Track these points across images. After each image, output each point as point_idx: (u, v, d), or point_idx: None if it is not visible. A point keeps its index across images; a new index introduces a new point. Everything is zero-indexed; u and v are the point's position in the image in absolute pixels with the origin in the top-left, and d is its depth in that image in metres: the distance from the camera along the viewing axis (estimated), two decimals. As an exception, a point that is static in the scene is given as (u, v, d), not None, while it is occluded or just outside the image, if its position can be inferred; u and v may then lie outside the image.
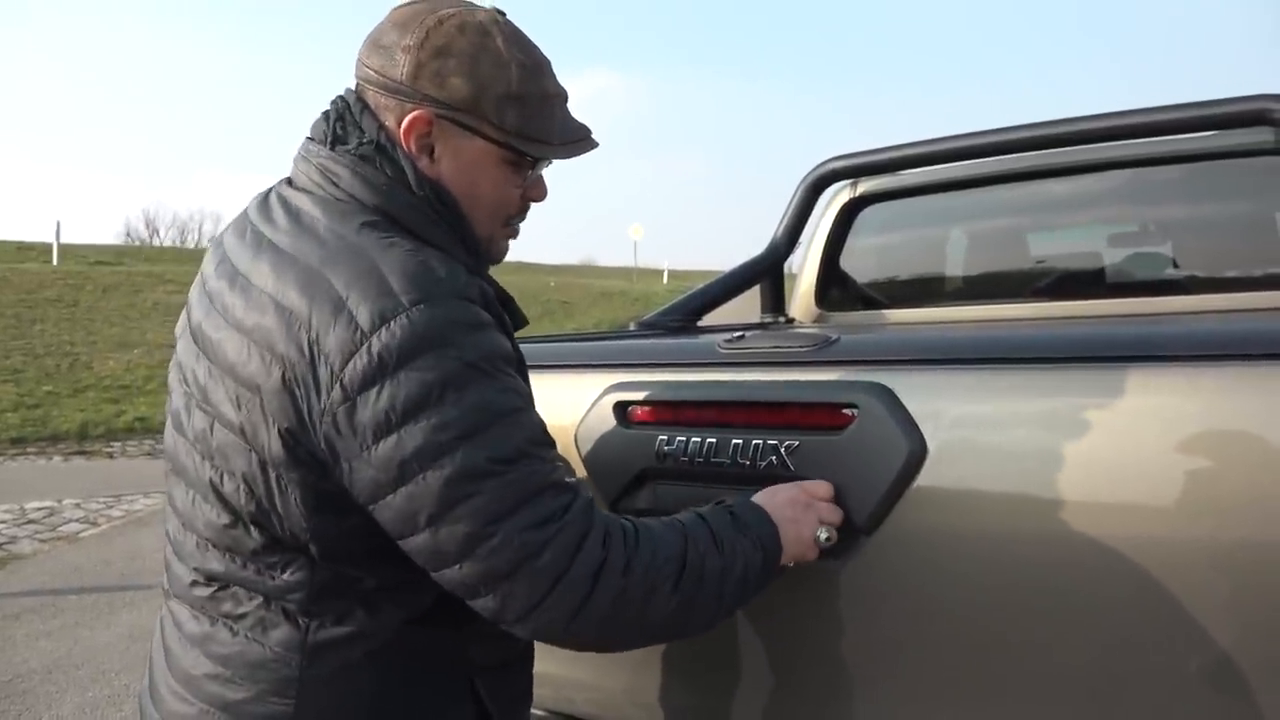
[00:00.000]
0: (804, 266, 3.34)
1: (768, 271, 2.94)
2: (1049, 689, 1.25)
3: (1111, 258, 3.22)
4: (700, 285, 2.81)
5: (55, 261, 20.28)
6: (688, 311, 2.67)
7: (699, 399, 1.55)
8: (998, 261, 3.42)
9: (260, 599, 1.17)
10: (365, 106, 1.19)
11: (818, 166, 2.90)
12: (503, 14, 1.21)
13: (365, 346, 1.04)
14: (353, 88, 1.22)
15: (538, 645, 1.35)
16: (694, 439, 1.48)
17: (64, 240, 22.16)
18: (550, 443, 1.16)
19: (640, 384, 1.60)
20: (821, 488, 1.34)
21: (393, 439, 1.05)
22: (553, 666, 1.49)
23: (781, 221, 2.95)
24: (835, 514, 1.33)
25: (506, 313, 1.24)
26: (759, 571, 1.24)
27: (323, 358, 1.06)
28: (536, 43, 1.24)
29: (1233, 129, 2.43)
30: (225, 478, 1.14)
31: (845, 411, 1.38)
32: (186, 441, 1.20)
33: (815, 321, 3.22)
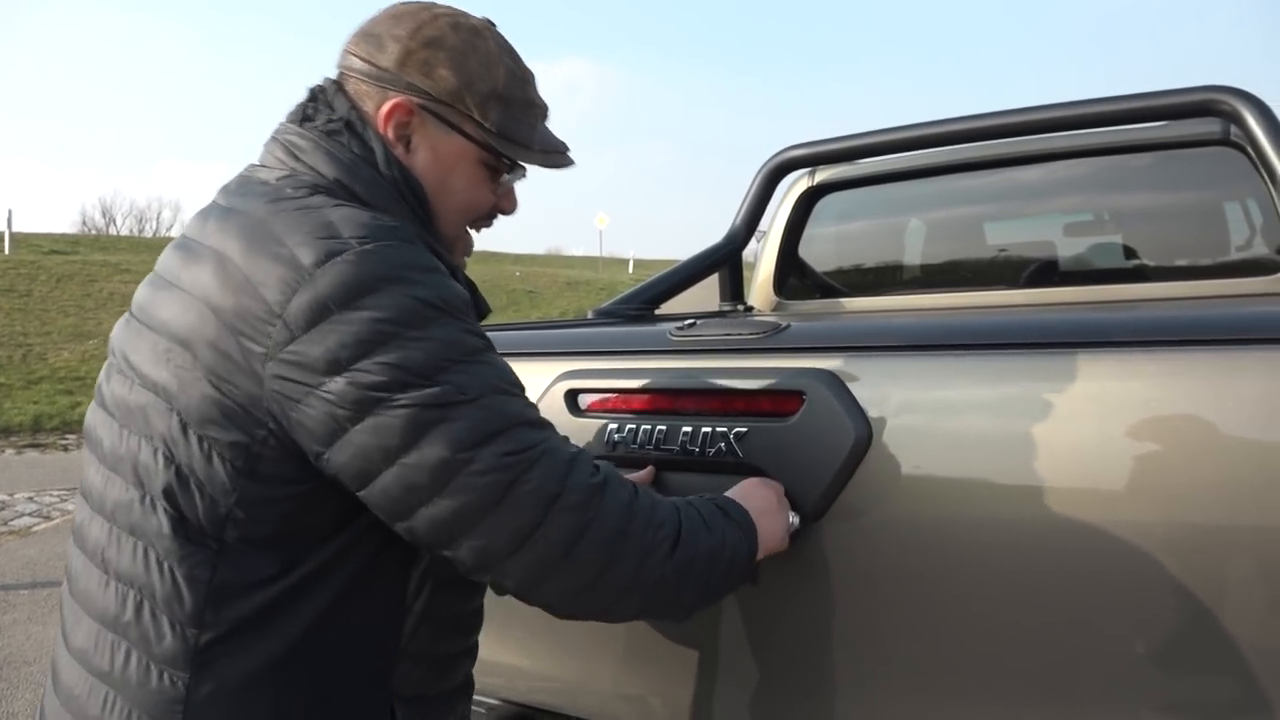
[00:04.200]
0: (762, 255, 3.35)
1: (726, 260, 2.94)
2: (1000, 672, 1.27)
3: (1066, 247, 3.26)
4: (658, 274, 2.80)
5: (7, 250, 19.87)
6: (645, 300, 2.67)
7: (648, 386, 1.54)
8: (955, 250, 3.45)
9: (149, 603, 1.06)
10: (340, 90, 1.17)
11: (776, 155, 2.90)
12: (494, 24, 1.21)
13: (309, 283, 0.99)
14: (333, 76, 1.21)
15: (496, 636, 1.33)
16: (644, 427, 1.47)
17: (16, 229, 21.72)
18: (520, 385, 1.10)
19: (591, 372, 1.59)
20: (772, 482, 1.34)
21: (346, 376, 0.99)
22: (524, 659, 1.48)
23: (740, 210, 2.95)
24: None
25: (474, 300, 1.21)
26: (743, 560, 1.20)
27: (262, 300, 1.00)
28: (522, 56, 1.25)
29: (1182, 119, 2.47)
30: (142, 444, 1.07)
31: (793, 398, 1.38)
32: (104, 413, 1.14)
33: (774, 310, 3.23)
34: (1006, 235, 3.46)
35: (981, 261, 3.36)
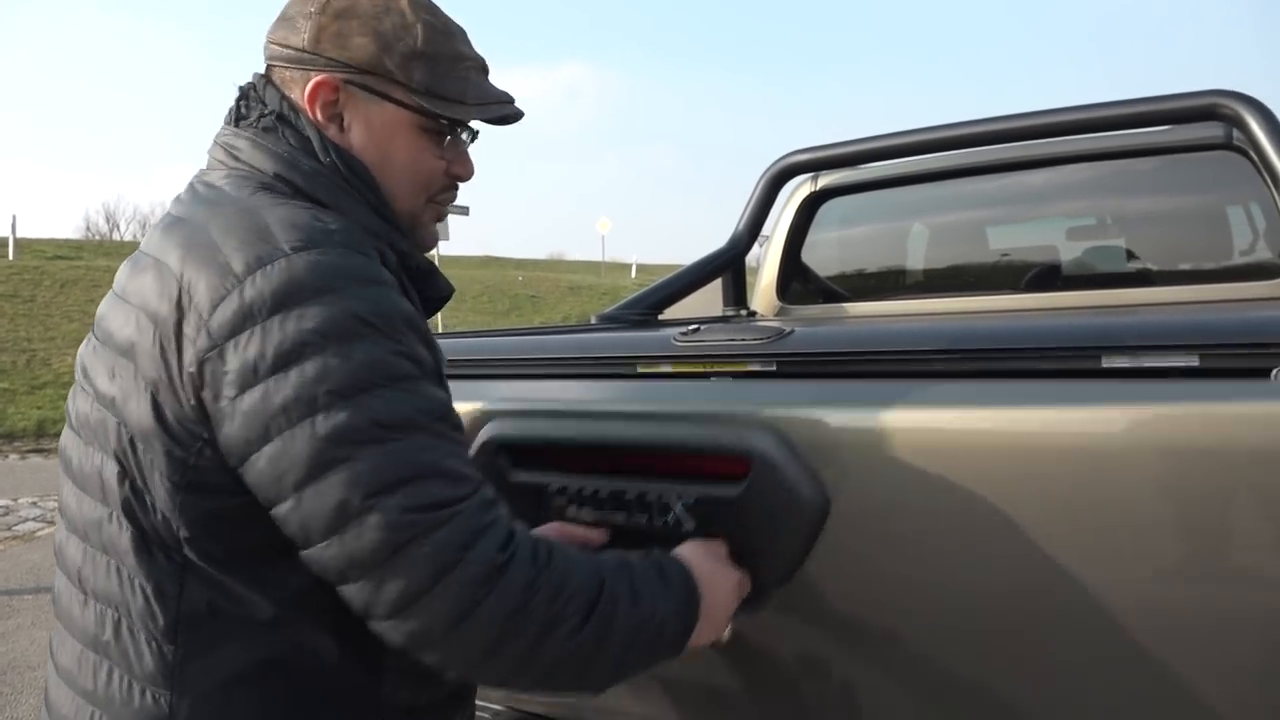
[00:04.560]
0: (765, 260, 3.35)
1: (729, 265, 2.94)
2: None
3: (1069, 251, 3.26)
4: (662, 279, 2.81)
5: (11, 256, 19.90)
6: (649, 305, 2.67)
7: (582, 442, 1.44)
8: (958, 255, 3.46)
9: (126, 621, 1.04)
10: (269, 82, 1.14)
11: (779, 160, 2.90)
12: None
13: (237, 290, 0.95)
14: (263, 74, 1.17)
15: None
16: (584, 489, 1.39)
17: (20, 234, 21.77)
18: (454, 424, 1.04)
19: (524, 424, 1.49)
20: (744, 585, 1.26)
21: (260, 389, 0.94)
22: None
23: (743, 215, 2.95)
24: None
25: (427, 285, 1.17)
26: (674, 635, 1.11)
27: (193, 307, 0.97)
28: (460, 22, 1.19)
29: (1185, 124, 2.47)
30: (104, 461, 1.04)
31: (740, 462, 1.29)
32: (72, 431, 1.12)
33: (777, 315, 3.23)
34: (1009, 240, 3.47)
35: (984, 266, 3.36)
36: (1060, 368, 1.27)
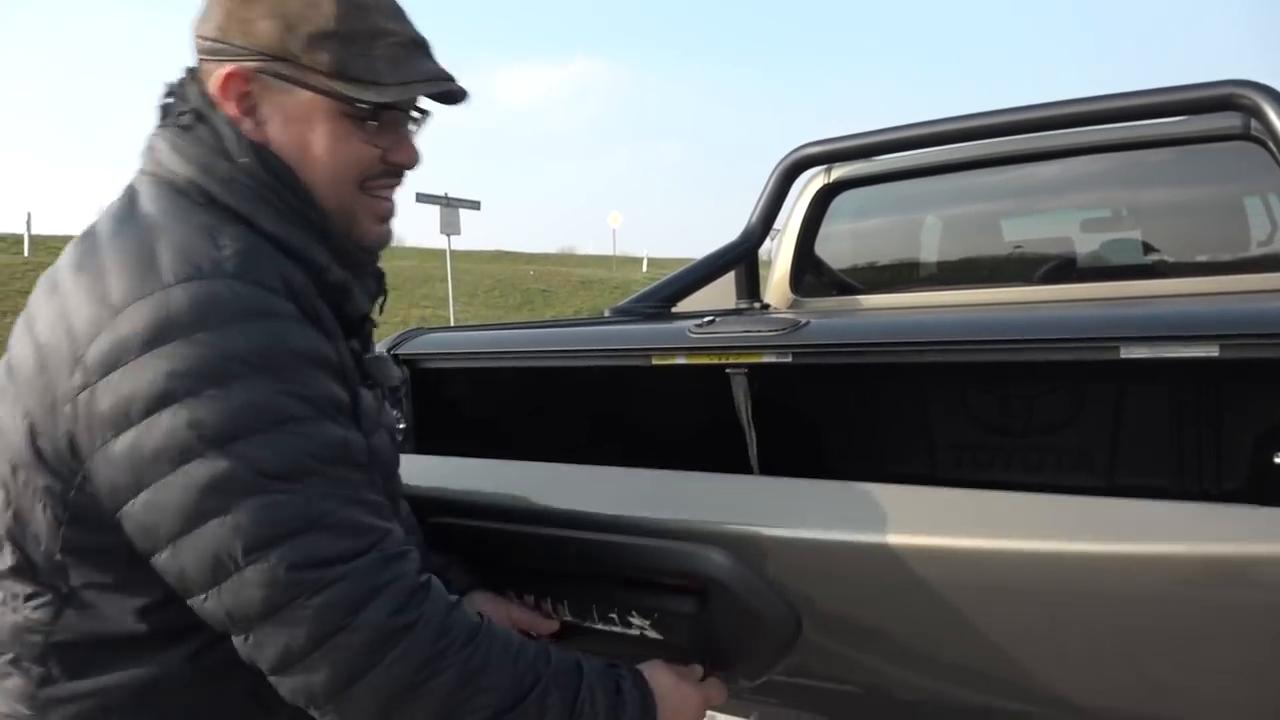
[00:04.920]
0: (778, 252, 3.35)
1: (742, 258, 2.94)
2: None
3: (1084, 243, 3.25)
4: (675, 272, 2.80)
5: (26, 253, 20.01)
6: (662, 298, 2.67)
7: (529, 555, 1.39)
8: (971, 247, 3.45)
9: (5, 643, 1.00)
10: (194, 77, 1.06)
11: (791, 152, 2.90)
12: None
13: (112, 323, 0.89)
14: (192, 67, 1.09)
15: None
16: (542, 597, 1.37)
17: (36, 231, 21.89)
18: (356, 464, 0.95)
19: (468, 522, 1.44)
20: (717, 696, 1.22)
21: (132, 434, 0.88)
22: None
23: (756, 208, 2.95)
24: None
25: (344, 303, 1.06)
26: None
27: (70, 336, 0.92)
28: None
29: (1201, 114, 2.45)
30: None
31: (698, 581, 1.24)
32: None
33: (790, 307, 3.23)
34: (1023, 231, 3.45)
35: (998, 258, 3.35)
36: (1078, 359, 1.26)
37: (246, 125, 1.03)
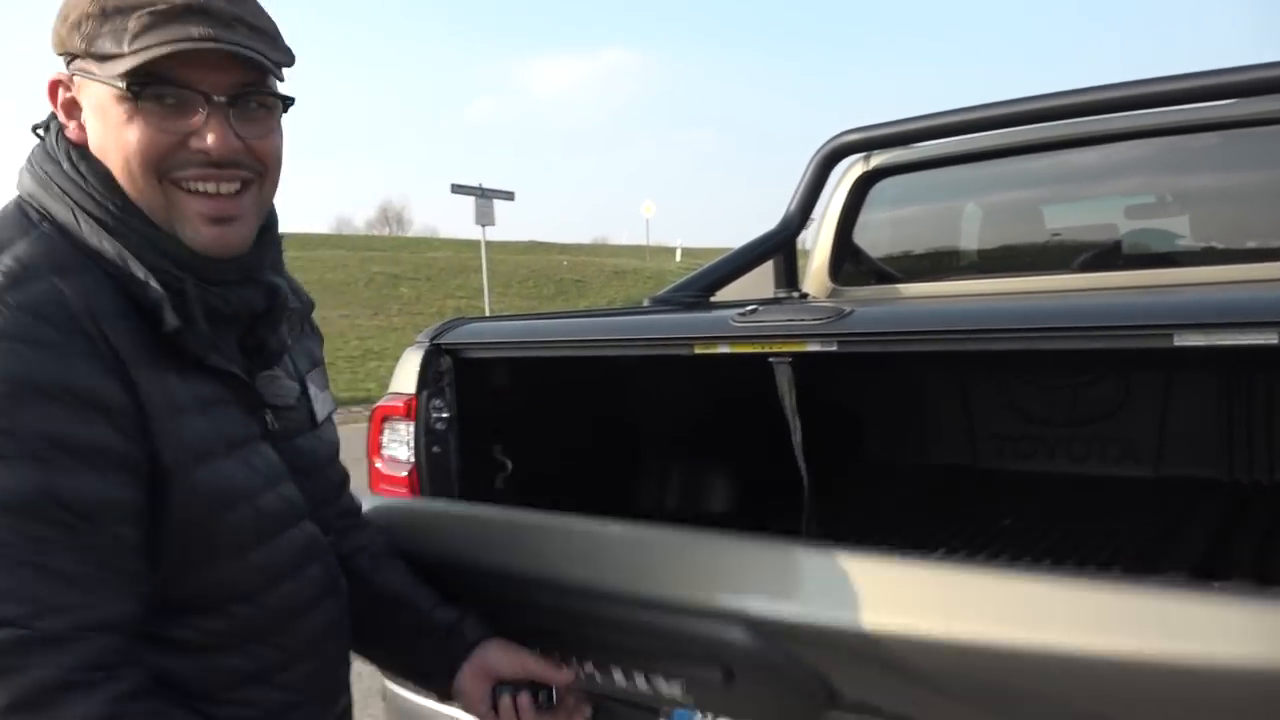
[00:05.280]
0: (817, 241, 3.32)
1: (781, 246, 2.92)
2: None
3: (1128, 230, 3.19)
4: (713, 261, 2.79)
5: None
6: (701, 287, 2.66)
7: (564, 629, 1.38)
8: (1012, 234, 3.41)
9: None
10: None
11: (830, 140, 2.87)
12: None
13: None
14: None
15: None
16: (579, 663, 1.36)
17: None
18: (58, 522, 0.82)
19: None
20: None
21: None
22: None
23: (794, 196, 2.93)
24: None
25: (176, 318, 0.95)
26: None
27: None
28: None
29: (1257, 96, 2.40)
30: None
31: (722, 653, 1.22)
32: None
33: (829, 296, 3.21)
34: (1065, 218, 3.41)
35: (1039, 245, 3.30)
36: (1131, 346, 1.24)
37: (72, 129, 1.00)
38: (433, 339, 1.92)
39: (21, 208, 0.97)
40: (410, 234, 61.65)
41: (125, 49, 0.94)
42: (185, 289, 0.96)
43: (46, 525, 0.82)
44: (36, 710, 0.77)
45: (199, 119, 0.97)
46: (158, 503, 0.90)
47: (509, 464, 2.08)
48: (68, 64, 0.99)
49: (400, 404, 1.93)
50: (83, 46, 0.96)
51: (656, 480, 2.62)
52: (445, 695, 1.29)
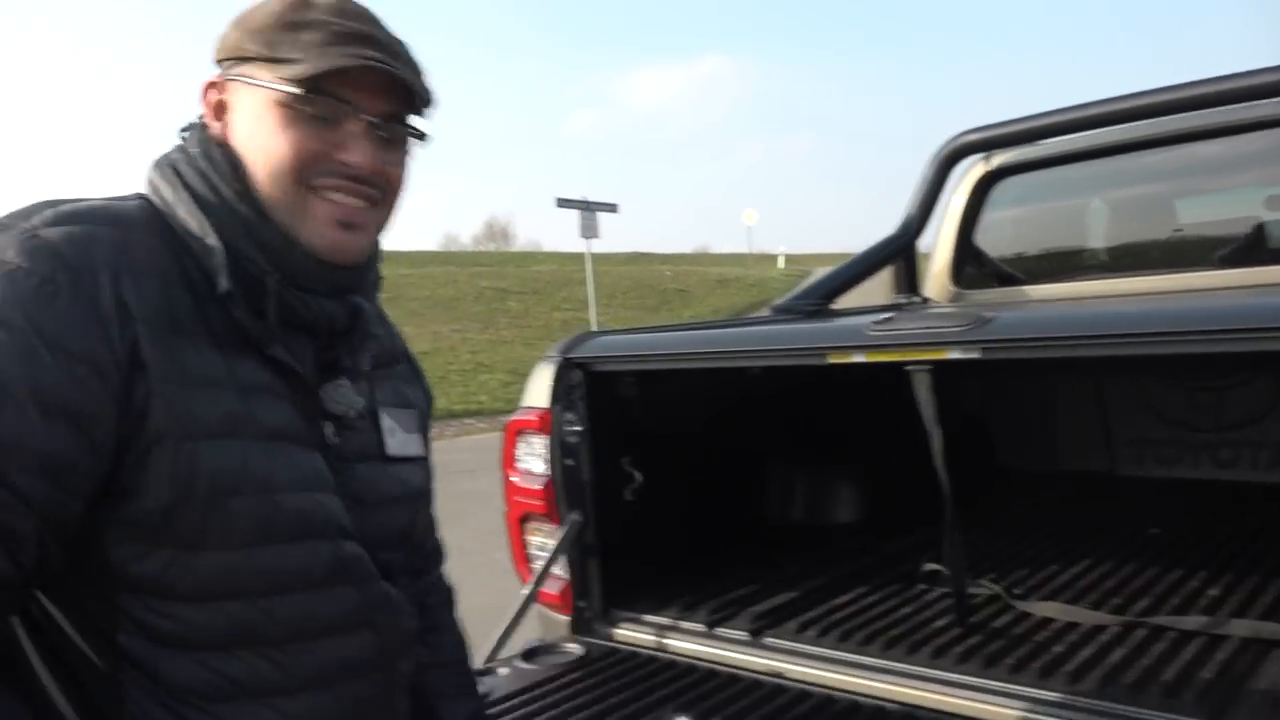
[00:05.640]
0: (937, 244, 3.25)
1: (901, 251, 2.88)
2: None
3: (1272, 221, 3.04)
4: (833, 268, 2.77)
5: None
6: (822, 295, 2.63)
7: None
8: (1143, 231, 3.28)
9: None
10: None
11: (950, 140, 2.82)
12: None
13: None
14: None
15: None
16: None
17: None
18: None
19: None
20: None
21: None
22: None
23: (914, 199, 2.88)
24: None
25: (259, 298, 0.98)
26: None
27: None
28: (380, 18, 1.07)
29: None
30: None
31: None
32: None
33: (951, 300, 3.14)
34: (1200, 212, 3.27)
35: (1172, 241, 3.17)
36: None
37: (216, 128, 1.04)
38: (564, 353, 1.95)
39: (145, 190, 1.02)
40: (514, 248, 62.75)
41: (302, 60, 0.99)
42: (266, 281, 0.97)
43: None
44: None
45: (349, 135, 1.01)
46: (143, 465, 0.88)
47: (637, 475, 2.10)
48: (226, 68, 1.04)
49: (534, 417, 1.96)
50: (259, 51, 1.01)
51: (784, 490, 2.61)
52: None
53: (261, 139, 1.01)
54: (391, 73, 1.01)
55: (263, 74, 1.01)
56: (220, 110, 1.04)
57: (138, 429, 0.87)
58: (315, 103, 1.00)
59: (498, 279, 25.09)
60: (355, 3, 1.05)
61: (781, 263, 35.93)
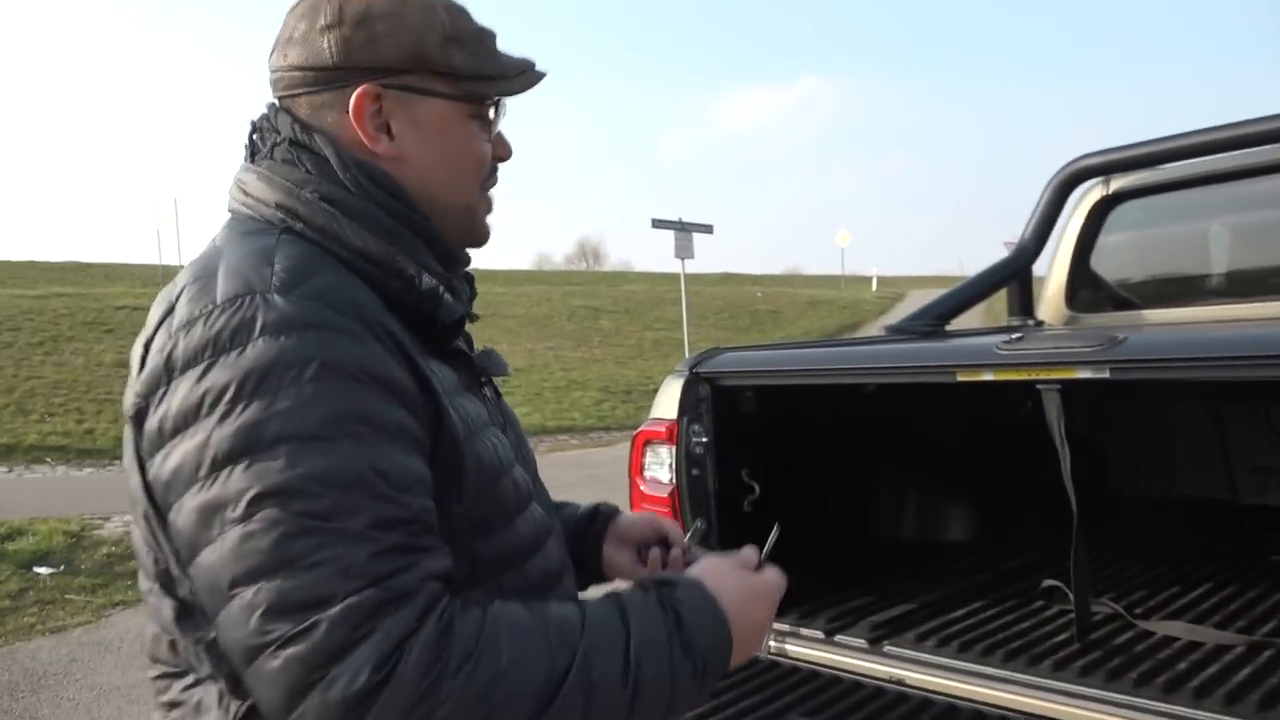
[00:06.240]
0: (1053, 267, 3.26)
1: (1016, 274, 2.90)
2: None
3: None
4: (949, 289, 2.81)
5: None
6: (936, 316, 2.68)
7: None
8: (1264, 256, 3.23)
9: (191, 679, 0.95)
10: (282, 111, 1.04)
11: (1068, 165, 2.84)
12: None
13: (169, 348, 0.87)
14: (273, 102, 1.06)
15: None
16: None
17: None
18: (375, 494, 0.83)
19: None
20: (779, 581, 1.07)
21: (164, 451, 0.85)
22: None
23: (1030, 222, 2.91)
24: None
25: (438, 306, 1.00)
26: (685, 694, 0.92)
27: (143, 362, 0.91)
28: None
29: None
30: (138, 534, 0.97)
31: None
32: None
33: (1066, 324, 3.14)
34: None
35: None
36: None
37: (381, 145, 1.01)
38: (692, 368, 2.04)
39: (246, 220, 1.00)
40: (606, 268, 63.40)
41: (508, 73, 1.05)
42: (453, 284, 1.03)
43: (374, 499, 0.83)
44: (383, 667, 0.78)
45: (498, 131, 1.09)
46: (452, 475, 0.93)
47: (756, 487, 2.17)
48: (385, 79, 1.00)
49: (663, 429, 2.06)
50: (458, 64, 1.02)
51: (895, 507, 2.65)
52: (599, 575, 1.30)
53: (456, 150, 1.04)
54: (541, 77, 1.09)
55: (440, 86, 1.02)
56: (378, 122, 1.00)
57: (443, 442, 0.92)
58: (496, 111, 1.07)
59: (590, 298, 25.39)
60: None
61: (875, 285, 35.50)
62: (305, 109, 1.02)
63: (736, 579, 1.01)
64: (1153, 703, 1.54)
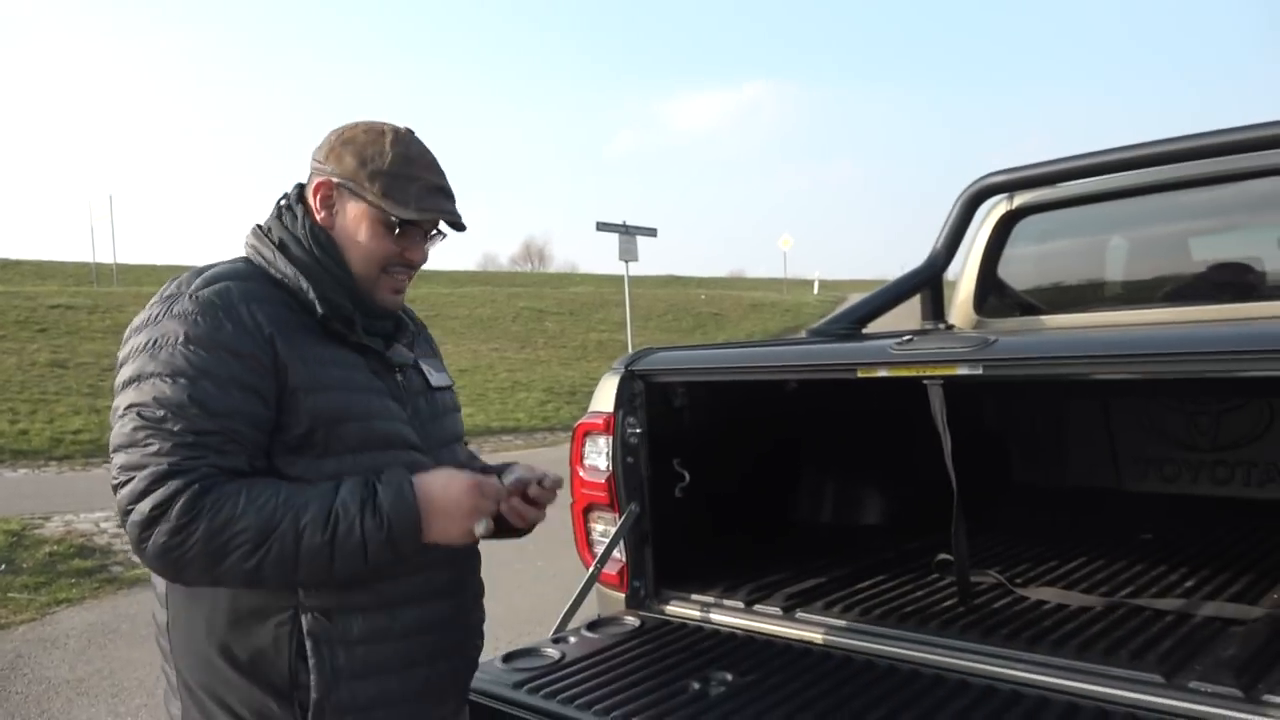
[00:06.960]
0: (962, 275, 3.51)
1: (928, 281, 3.15)
2: None
3: (1277, 261, 3.25)
4: (864, 295, 3.05)
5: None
6: (854, 319, 2.92)
7: None
8: (1158, 267, 3.50)
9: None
10: (303, 184, 1.59)
11: (975, 182, 3.09)
12: (411, 131, 1.58)
13: (134, 319, 1.47)
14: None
15: None
16: None
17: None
18: (180, 417, 1.35)
19: None
20: (492, 488, 1.49)
21: (116, 374, 1.45)
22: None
23: (940, 233, 3.15)
24: (492, 507, 1.49)
25: (349, 327, 1.50)
26: (374, 543, 1.38)
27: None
28: (439, 161, 1.58)
29: None
30: None
31: None
32: None
33: (975, 328, 3.40)
34: (1213, 250, 3.48)
35: (1185, 277, 3.39)
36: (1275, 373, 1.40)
37: (323, 215, 1.53)
38: (627, 365, 2.25)
39: (252, 248, 1.54)
40: (551, 269, 63.37)
41: (411, 205, 1.52)
42: (354, 316, 1.51)
43: (188, 417, 1.35)
44: (161, 507, 1.31)
45: (415, 241, 1.56)
46: (289, 410, 1.42)
47: (687, 475, 2.39)
48: (339, 179, 1.52)
49: (600, 421, 2.26)
50: (376, 189, 1.50)
51: (814, 493, 2.89)
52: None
53: (362, 237, 1.53)
54: (458, 221, 1.58)
55: (371, 197, 1.51)
56: (328, 204, 1.53)
57: (284, 389, 1.41)
58: (407, 228, 1.54)
59: (535, 299, 25.48)
60: (433, 158, 1.58)
61: (816, 288, 36.04)
62: (308, 180, 1.57)
63: (442, 474, 1.47)
64: (1019, 653, 1.79)
